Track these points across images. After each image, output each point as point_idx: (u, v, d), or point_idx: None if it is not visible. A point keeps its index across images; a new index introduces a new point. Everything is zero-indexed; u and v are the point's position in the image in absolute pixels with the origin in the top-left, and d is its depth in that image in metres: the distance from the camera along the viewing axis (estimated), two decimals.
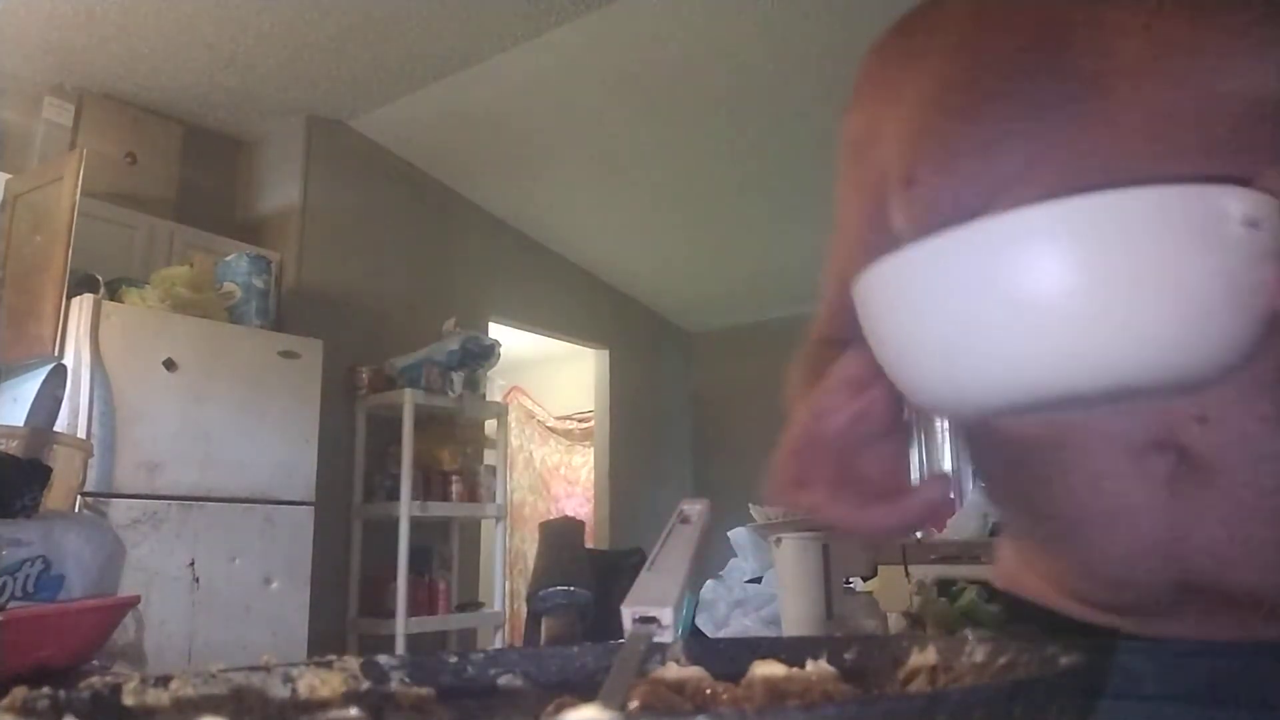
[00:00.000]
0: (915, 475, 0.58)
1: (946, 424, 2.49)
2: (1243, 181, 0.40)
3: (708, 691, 0.45)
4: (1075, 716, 0.33)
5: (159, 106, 3.49)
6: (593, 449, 5.41)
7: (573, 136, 3.79)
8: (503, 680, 0.49)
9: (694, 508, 0.62)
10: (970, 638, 0.43)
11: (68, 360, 2.60)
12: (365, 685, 0.46)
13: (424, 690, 0.47)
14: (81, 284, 2.72)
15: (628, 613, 0.46)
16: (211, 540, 2.75)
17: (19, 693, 0.34)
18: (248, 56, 3.20)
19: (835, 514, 0.56)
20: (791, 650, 0.48)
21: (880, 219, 0.70)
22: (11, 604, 0.97)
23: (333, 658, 0.46)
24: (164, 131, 3.50)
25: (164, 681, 0.40)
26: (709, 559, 3.55)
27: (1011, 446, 0.66)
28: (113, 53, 3.13)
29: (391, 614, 3.34)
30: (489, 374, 4.04)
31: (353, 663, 0.47)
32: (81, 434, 2.51)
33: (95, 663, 0.98)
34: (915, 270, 0.44)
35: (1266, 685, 0.59)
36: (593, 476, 5.39)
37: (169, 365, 2.75)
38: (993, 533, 1.76)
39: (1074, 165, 0.57)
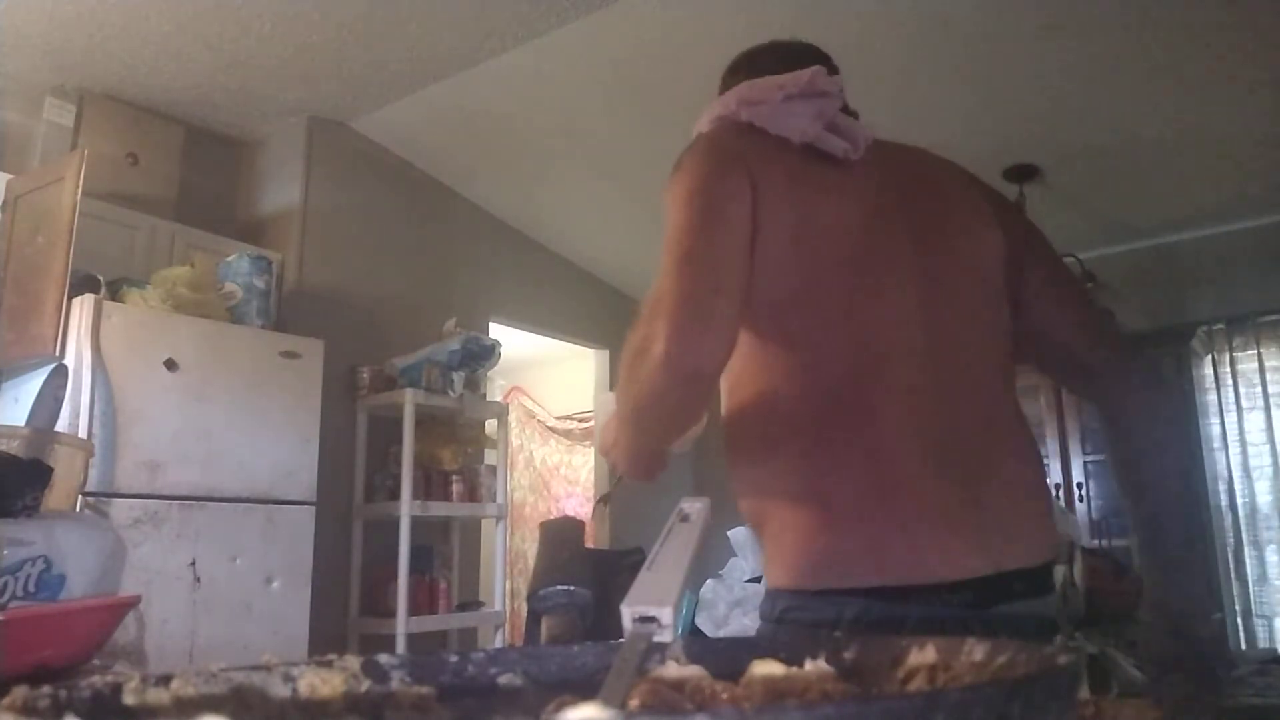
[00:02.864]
0: None
1: None
2: None
3: (707, 690, 0.45)
4: (1073, 715, 0.33)
5: (160, 107, 3.50)
6: (593, 449, 5.40)
7: (573, 137, 3.79)
8: (503, 679, 0.49)
9: (694, 506, 0.62)
10: (969, 637, 0.43)
11: (69, 360, 2.60)
12: (366, 685, 0.46)
13: (424, 689, 0.47)
14: (83, 284, 2.72)
15: (627, 612, 0.46)
16: (212, 540, 2.75)
17: (20, 692, 0.34)
18: (249, 57, 3.20)
19: None
20: (790, 649, 0.48)
21: None
22: (13, 604, 0.97)
23: (333, 657, 0.47)
24: (165, 132, 3.50)
25: (165, 681, 0.40)
26: (709, 559, 3.55)
27: None
28: (114, 53, 3.13)
29: (392, 613, 3.33)
30: (489, 374, 4.04)
31: (353, 662, 0.47)
32: (82, 434, 2.51)
33: (96, 662, 0.98)
34: None
35: None
36: (593, 476, 5.39)
37: (170, 365, 2.75)
38: None
39: None
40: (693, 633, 2.18)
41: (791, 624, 0.94)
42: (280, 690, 0.43)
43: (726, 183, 0.97)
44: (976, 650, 0.41)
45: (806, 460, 0.96)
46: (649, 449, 1.02)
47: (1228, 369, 3.95)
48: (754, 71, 1.15)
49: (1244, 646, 3.52)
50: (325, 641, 3.06)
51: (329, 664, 0.46)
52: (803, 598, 0.94)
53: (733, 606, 2.13)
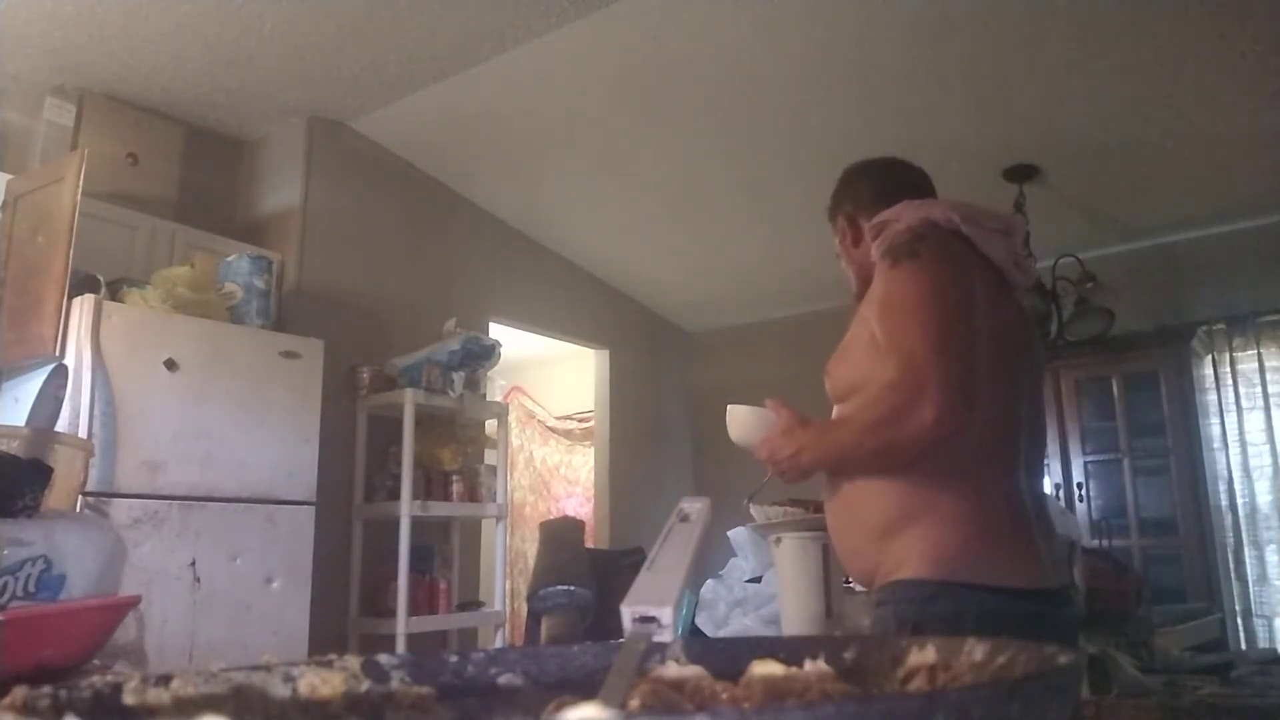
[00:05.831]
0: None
1: None
2: None
3: (707, 690, 0.45)
4: (1072, 715, 0.33)
5: (160, 107, 3.50)
6: (593, 449, 5.40)
7: (573, 137, 3.79)
8: (503, 679, 0.49)
9: (694, 506, 0.62)
10: (969, 637, 0.43)
11: (69, 360, 2.60)
12: (366, 685, 0.46)
13: (424, 689, 0.47)
14: (83, 284, 2.72)
15: (627, 612, 0.46)
16: (212, 540, 2.75)
17: (20, 692, 0.34)
18: (249, 57, 3.20)
19: None
20: (790, 650, 0.48)
21: None
22: (13, 604, 0.97)
23: (333, 657, 0.47)
24: (165, 132, 3.50)
25: (165, 681, 0.40)
26: (709, 559, 3.55)
27: None
28: (114, 53, 3.13)
29: (392, 613, 3.33)
30: (489, 374, 4.04)
31: (353, 662, 0.47)
32: (83, 434, 2.51)
33: (96, 662, 0.98)
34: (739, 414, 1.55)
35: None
36: (593, 476, 5.39)
37: (170, 365, 2.75)
38: None
39: None
40: (693, 633, 2.18)
41: (939, 608, 1.22)
42: (280, 690, 0.43)
43: (967, 284, 1.35)
44: (976, 650, 0.41)
45: (968, 485, 1.29)
46: (829, 467, 1.39)
47: (1228, 369, 3.95)
48: (893, 185, 1.51)
49: (1244, 646, 3.52)
50: (325, 641, 3.06)
51: (329, 664, 0.46)
52: (944, 588, 1.23)
53: (733, 606, 2.13)
